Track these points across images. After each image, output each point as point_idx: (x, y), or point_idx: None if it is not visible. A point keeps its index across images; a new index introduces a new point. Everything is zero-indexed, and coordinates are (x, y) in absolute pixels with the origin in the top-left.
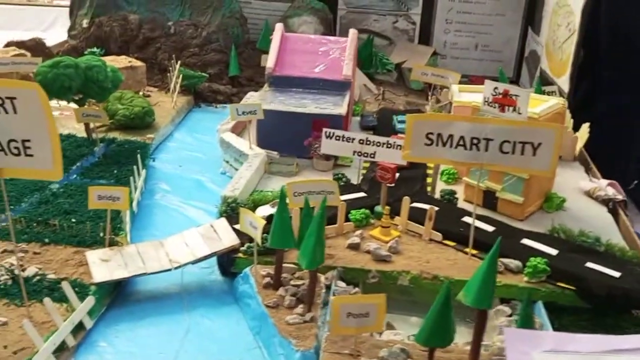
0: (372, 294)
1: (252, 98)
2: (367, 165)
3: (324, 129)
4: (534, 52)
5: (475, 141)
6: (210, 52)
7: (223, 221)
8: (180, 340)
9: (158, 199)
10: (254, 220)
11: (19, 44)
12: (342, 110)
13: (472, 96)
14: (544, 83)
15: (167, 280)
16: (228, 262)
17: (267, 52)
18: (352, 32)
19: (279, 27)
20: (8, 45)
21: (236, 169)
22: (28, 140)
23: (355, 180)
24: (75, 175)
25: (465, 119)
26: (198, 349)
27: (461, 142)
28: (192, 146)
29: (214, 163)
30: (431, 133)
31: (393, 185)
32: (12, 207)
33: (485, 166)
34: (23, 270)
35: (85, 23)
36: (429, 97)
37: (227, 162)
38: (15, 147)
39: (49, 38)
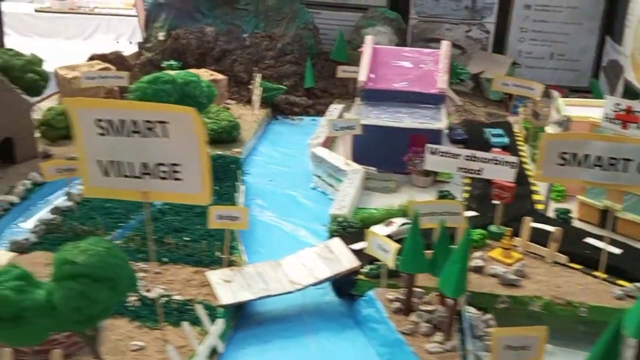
0: (532, 326)
1: (335, 111)
2: (467, 181)
3: (428, 145)
4: (614, 62)
5: (613, 161)
6: (285, 64)
7: (338, 241)
8: None
9: (256, 215)
10: (385, 244)
11: (102, 57)
12: (442, 124)
13: (581, 110)
14: (628, 94)
15: (284, 301)
16: (347, 283)
17: (341, 63)
18: (446, 43)
19: (369, 40)
20: (92, 58)
21: (329, 185)
22: (177, 165)
23: (459, 197)
24: None
25: (602, 138)
26: None
27: (598, 162)
28: (278, 160)
29: (304, 178)
30: (565, 153)
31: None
32: (122, 223)
33: (623, 188)
34: (148, 291)
35: (161, 36)
36: (509, 108)
37: (319, 177)
38: (163, 171)
39: (92, 45)
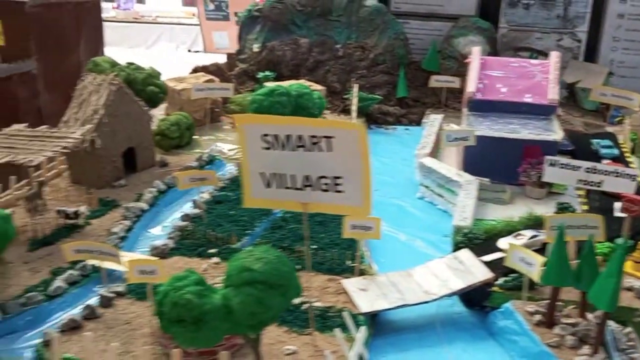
0: None
1: (435, 121)
2: (581, 193)
3: (547, 157)
4: None
5: None
6: (377, 74)
7: (467, 252)
8: None
9: None
10: (528, 256)
11: (204, 69)
12: (557, 136)
13: None
14: None
15: (415, 310)
16: (479, 295)
17: (433, 73)
18: (555, 54)
19: (476, 50)
20: (195, 70)
21: (438, 195)
22: (339, 177)
23: (578, 209)
24: None
25: None
26: None
27: None
28: (379, 169)
29: (408, 187)
30: None
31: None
32: (248, 231)
33: None
34: None
35: (256, 47)
36: (607, 118)
37: (427, 187)
38: (325, 183)
39: (154, 53)
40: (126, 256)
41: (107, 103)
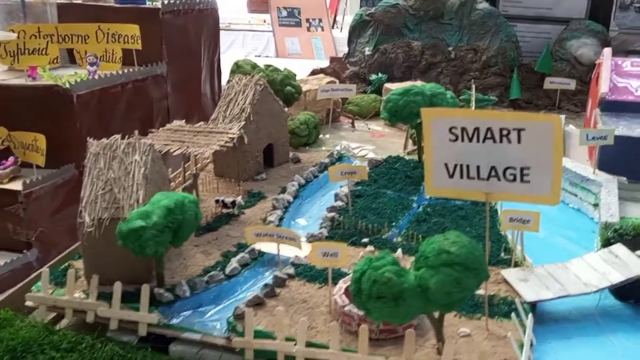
0: None
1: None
2: None
3: None
4: None
5: None
6: (490, 76)
7: (622, 247)
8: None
9: None
10: None
11: (322, 71)
12: None
13: None
14: None
15: (571, 302)
16: (634, 288)
17: (546, 75)
18: None
19: (607, 51)
20: (313, 73)
21: (572, 194)
22: (527, 168)
23: None
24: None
25: None
26: None
27: None
28: None
29: None
30: None
31: None
32: (393, 223)
33: None
34: None
35: (368, 50)
36: None
37: None
38: (512, 174)
39: (229, 58)
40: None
41: (253, 102)
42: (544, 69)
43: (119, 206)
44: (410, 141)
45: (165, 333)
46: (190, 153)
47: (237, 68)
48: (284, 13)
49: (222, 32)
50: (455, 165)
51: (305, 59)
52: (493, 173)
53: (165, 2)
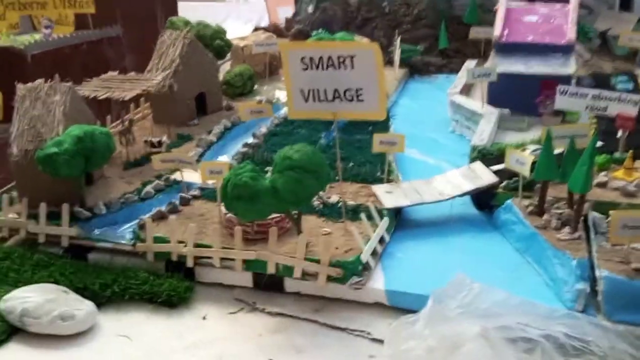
0: None
1: (470, 65)
2: (594, 121)
3: (559, 86)
4: None
5: None
6: (421, 28)
7: (479, 164)
8: (458, 254)
9: (404, 153)
10: (521, 157)
11: (263, 29)
12: (570, 70)
13: None
14: None
15: (435, 210)
16: (487, 197)
17: (474, 25)
18: None
19: (502, 0)
20: (256, 30)
21: (467, 128)
22: (361, 89)
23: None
24: (335, 129)
25: None
26: (474, 262)
27: None
28: (417, 110)
29: (442, 124)
30: None
31: (630, 134)
32: None
33: None
34: (328, 198)
35: (310, 9)
36: (636, 62)
37: (457, 121)
38: (350, 95)
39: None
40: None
41: (181, 54)
42: (472, 20)
43: (41, 139)
44: None
45: (83, 244)
46: (114, 97)
47: (170, 24)
48: None
49: (218, 5)
50: (309, 91)
51: None
52: (337, 95)
53: None
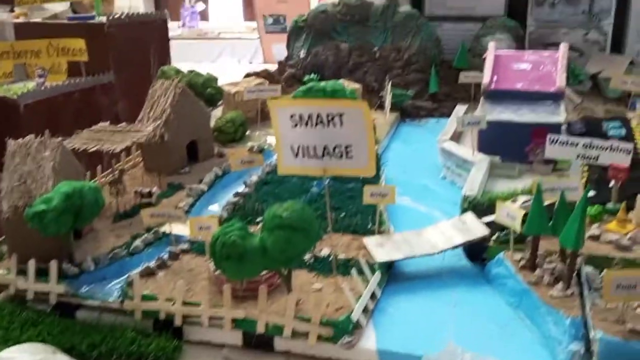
0: None
1: (460, 112)
2: (585, 169)
3: (549, 135)
4: None
5: None
6: (411, 73)
7: (470, 215)
8: (451, 308)
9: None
10: (513, 212)
11: (255, 75)
12: (560, 118)
13: None
14: None
15: (426, 263)
16: (478, 249)
17: (464, 70)
18: (564, 45)
19: (491, 46)
20: (247, 76)
21: (458, 175)
22: (350, 146)
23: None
24: (328, 180)
25: None
26: (467, 316)
27: None
28: (409, 155)
29: (433, 170)
30: None
31: (621, 185)
32: None
33: None
34: (319, 251)
35: (302, 53)
36: (628, 105)
37: (448, 168)
38: (339, 152)
39: (218, 67)
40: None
41: (172, 103)
42: (462, 65)
43: (31, 195)
44: None
45: (71, 301)
46: (104, 150)
47: (162, 74)
48: (270, 20)
49: (212, 42)
50: (298, 147)
51: None
52: (326, 152)
53: (111, 17)
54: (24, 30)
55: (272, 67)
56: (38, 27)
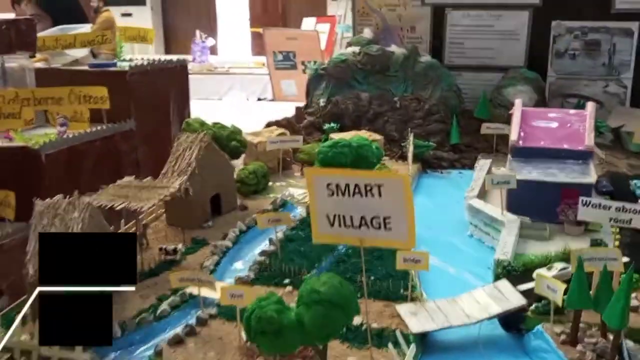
0: None
1: (485, 165)
2: (616, 230)
3: (581, 197)
4: None
5: None
6: (432, 123)
7: (505, 282)
8: None
9: None
10: (553, 284)
11: (276, 124)
12: (591, 179)
13: None
14: None
15: (461, 333)
16: (514, 319)
17: (484, 120)
18: (591, 104)
19: (518, 102)
20: (268, 125)
21: (485, 233)
22: (388, 217)
23: (610, 244)
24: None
25: None
26: None
27: None
28: (433, 210)
29: (460, 226)
30: None
31: None
32: (316, 265)
33: None
34: (352, 320)
35: (322, 102)
36: None
37: (476, 226)
38: (377, 223)
39: (226, 103)
40: (219, 284)
41: (198, 157)
42: (483, 115)
43: None
44: None
45: None
46: (131, 208)
47: (187, 126)
48: (280, 57)
49: (222, 77)
50: (334, 216)
51: (300, 102)
52: (363, 222)
53: (133, 64)
54: (45, 77)
55: (290, 111)
56: (59, 73)
